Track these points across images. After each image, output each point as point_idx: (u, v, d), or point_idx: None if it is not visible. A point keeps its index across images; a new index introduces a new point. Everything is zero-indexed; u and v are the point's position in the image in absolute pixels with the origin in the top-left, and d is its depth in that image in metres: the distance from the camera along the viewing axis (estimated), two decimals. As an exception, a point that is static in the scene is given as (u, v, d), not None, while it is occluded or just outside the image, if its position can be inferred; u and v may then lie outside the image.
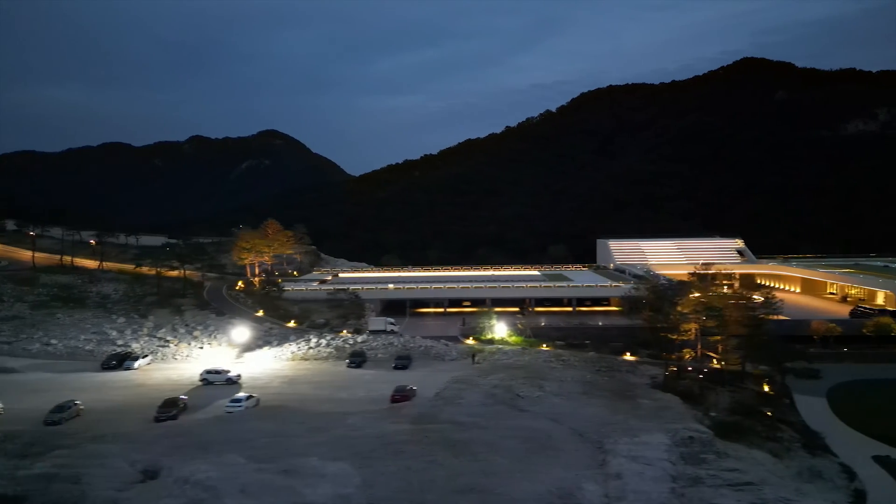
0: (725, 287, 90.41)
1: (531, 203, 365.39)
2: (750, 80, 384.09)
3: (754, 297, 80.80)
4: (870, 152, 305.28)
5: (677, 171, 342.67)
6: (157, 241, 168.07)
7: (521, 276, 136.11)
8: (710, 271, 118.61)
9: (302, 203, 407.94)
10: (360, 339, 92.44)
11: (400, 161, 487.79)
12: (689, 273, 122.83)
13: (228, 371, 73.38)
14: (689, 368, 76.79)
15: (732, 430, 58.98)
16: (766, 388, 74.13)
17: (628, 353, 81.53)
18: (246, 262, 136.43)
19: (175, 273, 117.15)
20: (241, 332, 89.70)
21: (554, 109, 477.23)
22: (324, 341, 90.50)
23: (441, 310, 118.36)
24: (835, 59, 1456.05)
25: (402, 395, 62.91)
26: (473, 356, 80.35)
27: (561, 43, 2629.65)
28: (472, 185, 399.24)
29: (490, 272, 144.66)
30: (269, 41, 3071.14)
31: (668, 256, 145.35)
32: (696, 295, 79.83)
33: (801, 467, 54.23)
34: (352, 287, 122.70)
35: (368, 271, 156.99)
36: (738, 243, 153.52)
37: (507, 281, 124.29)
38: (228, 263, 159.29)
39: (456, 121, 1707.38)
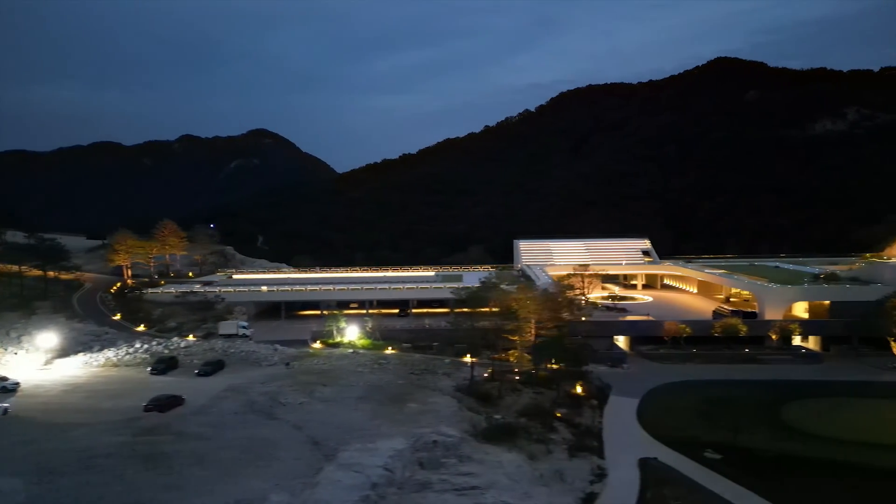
0: (570, 290, 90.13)
1: (502, 202, 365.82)
2: (723, 79, 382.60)
3: (565, 297, 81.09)
4: (835, 152, 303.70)
5: (646, 171, 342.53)
6: (78, 242, 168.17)
7: (411, 277, 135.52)
8: (586, 272, 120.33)
9: (276, 203, 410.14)
10: (183, 344, 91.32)
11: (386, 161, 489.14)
12: (568, 273, 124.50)
13: (7, 379, 72.44)
14: (515, 369, 77.41)
15: (502, 432, 59.66)
16: (580, 390, 74.70)
17: (469, 355, 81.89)
18: (116, 263, 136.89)
19: (60, 274, 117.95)
20: (49, 337, 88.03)
21: (533, 109, 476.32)
22: (144, 346, 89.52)
23: (321, 312, 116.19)
24: (835, 58, 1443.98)
25: (158, 405, 61.66)
26: (287, 363, 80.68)
27: (558, 42, 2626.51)
28: (445, 184, 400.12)
29: (382, 273, 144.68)
30: (265, 40, 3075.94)
31: (574, 257, 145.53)
32: (519, 297, 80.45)
33: (549, 470, 54.87)
34: (223, 289, 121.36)
35: (278, 272, 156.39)
36: (645, 244, 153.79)
37: (398, 282, 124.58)
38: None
39: (454, 120, 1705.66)
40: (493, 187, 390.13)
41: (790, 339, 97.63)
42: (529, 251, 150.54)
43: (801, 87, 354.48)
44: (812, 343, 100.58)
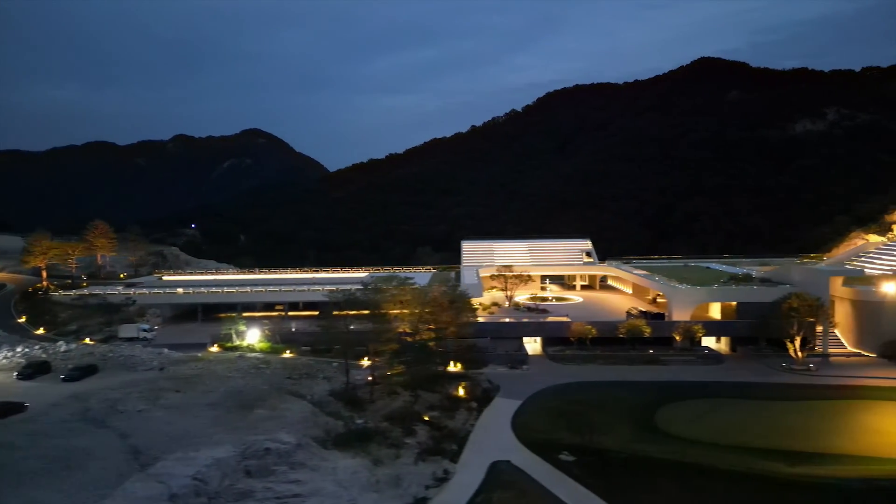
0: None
1: (485, 203, 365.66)
2: (705, 80, 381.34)
3: (446, 298, 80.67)
4: (813, 152, 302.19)
5: (626, 171, 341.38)
6: (14, 242, 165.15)
7: (337, 279, 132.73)
8: (508, 273, 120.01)
9: (260, 203, 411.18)
10: (64, 348, 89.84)
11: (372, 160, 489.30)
12: (491, 274, 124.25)
13: None
14: (389, 373, 76.82)
15: (355, 438, 59.50)
16: (462, 392, 74.43)
17: (365, 358, 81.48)
18: (32, 265, 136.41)
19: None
20: None
21: (520, 108, 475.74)
22: (24, 350, 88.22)
23: (237, 314, 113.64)
24: (831, 57, 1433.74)
25: None
26: (162, 367, 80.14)
27: (557, 42, 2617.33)
28: (428, 184, 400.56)
29: (311, 275, 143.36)
30: (264, 40, 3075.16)
31: (516, 258, 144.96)
32: (402, 298, 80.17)
33: (387, 475, 54.63)
34: (138, 291, 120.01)
35: (217, 273, 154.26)
36: (587, 245, 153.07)
37: (327, 284, 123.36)
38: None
39: (454, 120, 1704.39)
40: (477, 187, 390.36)
41: (699, 341, 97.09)
42: (472, 252, 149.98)
43: (782, 88, 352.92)
44: (724, 344, 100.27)
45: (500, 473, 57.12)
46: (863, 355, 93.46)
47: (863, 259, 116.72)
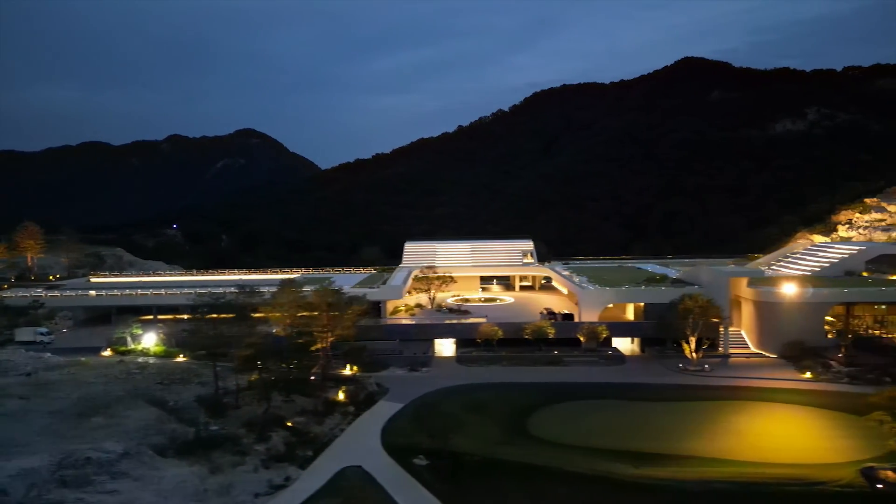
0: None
1: (467, 202, 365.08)
2: (688, 80, 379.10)
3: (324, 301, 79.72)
4: (792, 152, 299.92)
5: (606, 171, 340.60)
6: None
7: (256, 280, 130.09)
8: (431, 274, 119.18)
9: (246, 203, 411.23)
10: None
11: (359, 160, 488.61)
12: (415, 276, 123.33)
13: None
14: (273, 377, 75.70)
15: (198, 445, 58.78)
16: (342, 396, 73.71)
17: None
18: None
19: None
20: None
21: (507, 108, 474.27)
22: None
23: (153, 317, 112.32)
24: (829, 57, 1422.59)
25: None
26: (29, 373, 78.89)
27: (556, 42, 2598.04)
28: (413, 184, 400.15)
29: (236, 277, 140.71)
30: (261, 40, 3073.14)
31: (456, 258, 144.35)
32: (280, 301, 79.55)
33: (219, 483, 53.99)
34: (49, 294, 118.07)
35: (152, 276, 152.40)
36: (528, 245, 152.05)
37: (232, 286, 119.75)
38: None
39: (452, 119, 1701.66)
40: (460, 187, 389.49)
41: (610, 342, 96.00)
42: (414, 253, 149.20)
43: (763, 88, 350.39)
44: (636, 345, 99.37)
45: (343, 479, 56.82)
46: (764, 356, 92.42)
47: (789, 260, 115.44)
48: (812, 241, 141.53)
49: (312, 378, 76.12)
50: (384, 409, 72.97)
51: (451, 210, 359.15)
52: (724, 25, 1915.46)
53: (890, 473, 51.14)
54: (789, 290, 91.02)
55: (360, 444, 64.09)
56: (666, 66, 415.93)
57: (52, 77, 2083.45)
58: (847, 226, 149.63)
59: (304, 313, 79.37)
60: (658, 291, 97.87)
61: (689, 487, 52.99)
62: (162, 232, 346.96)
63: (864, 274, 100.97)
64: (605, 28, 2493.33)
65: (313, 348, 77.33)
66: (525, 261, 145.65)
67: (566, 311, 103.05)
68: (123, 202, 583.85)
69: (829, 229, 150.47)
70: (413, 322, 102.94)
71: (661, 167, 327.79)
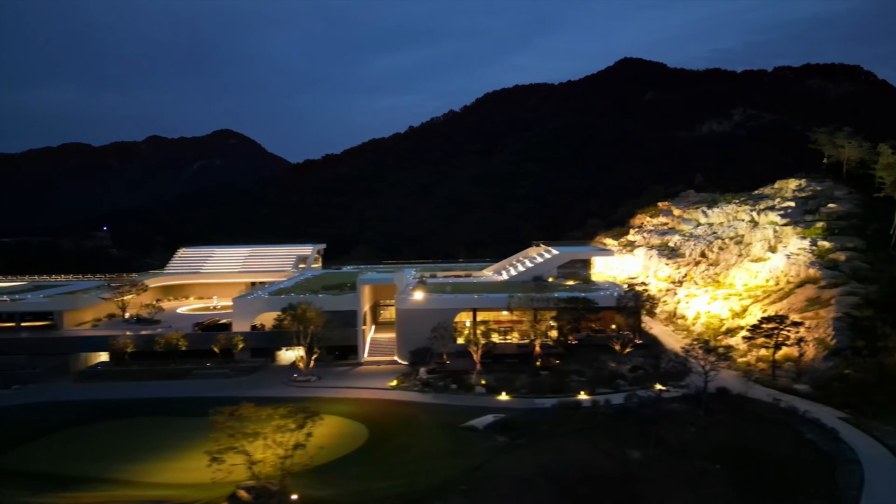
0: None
1: (401, 204, 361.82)
2: (626, 80, 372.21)
3: None
4: (713, 153, 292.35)
5: (535, 172, 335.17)
6: None
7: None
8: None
9: (187, 205, 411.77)
10: None
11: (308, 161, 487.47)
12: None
13: None
14: None
15: None
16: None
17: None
18: None
19: None
20: None
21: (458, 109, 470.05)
22: None
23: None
24: (828, 56, 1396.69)
25: None
26: None
27: (554, 42, 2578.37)
28: (351, 185, 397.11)
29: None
30: (258, 40, 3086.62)
31: (229, 265, 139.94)
32: None
33: None
34: None
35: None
36: (305, 251, 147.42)
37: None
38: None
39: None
40: (399, 189, 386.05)
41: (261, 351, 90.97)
42: (184, 259, 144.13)
43: (696, 88, 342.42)
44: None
45: None
46: (397, 363, 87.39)
47: (511, 266, 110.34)
48: (605, 244, 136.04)
49: None
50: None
51: (383, 212, 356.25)
52: (721, 26, 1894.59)
53: (243, 493, 46.50)
54: (418, 296, 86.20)
55: None
56: (608, 67, 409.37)
57: (42, 80, 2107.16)
58: (637, 229, 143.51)
59: None
60: (321, 298, 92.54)
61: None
62: (91, 234, 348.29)
63: (551, 279, 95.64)
64: (603, 28, 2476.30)
65: None
66: (300, 266, 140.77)
67: (224, 321, 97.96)
68: (100, 202, 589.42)
69: (624, 233, 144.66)
70: (113, 333, 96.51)
71: (588, 168, 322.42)
